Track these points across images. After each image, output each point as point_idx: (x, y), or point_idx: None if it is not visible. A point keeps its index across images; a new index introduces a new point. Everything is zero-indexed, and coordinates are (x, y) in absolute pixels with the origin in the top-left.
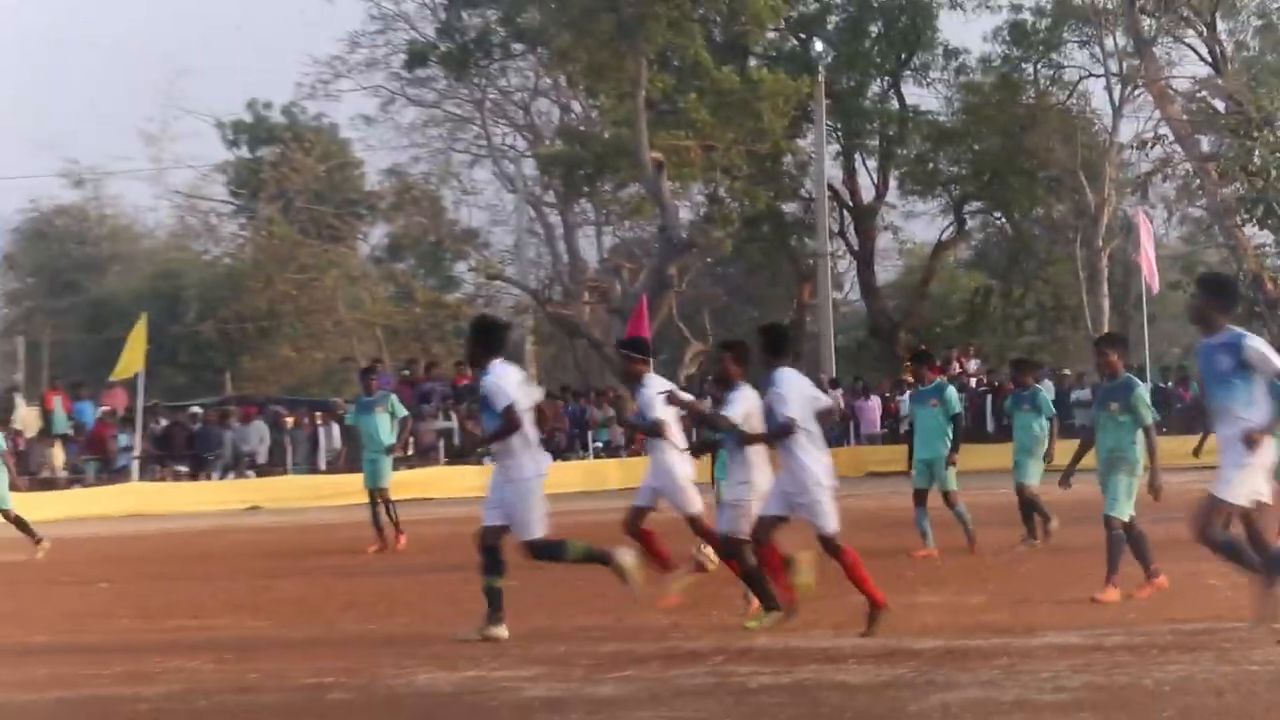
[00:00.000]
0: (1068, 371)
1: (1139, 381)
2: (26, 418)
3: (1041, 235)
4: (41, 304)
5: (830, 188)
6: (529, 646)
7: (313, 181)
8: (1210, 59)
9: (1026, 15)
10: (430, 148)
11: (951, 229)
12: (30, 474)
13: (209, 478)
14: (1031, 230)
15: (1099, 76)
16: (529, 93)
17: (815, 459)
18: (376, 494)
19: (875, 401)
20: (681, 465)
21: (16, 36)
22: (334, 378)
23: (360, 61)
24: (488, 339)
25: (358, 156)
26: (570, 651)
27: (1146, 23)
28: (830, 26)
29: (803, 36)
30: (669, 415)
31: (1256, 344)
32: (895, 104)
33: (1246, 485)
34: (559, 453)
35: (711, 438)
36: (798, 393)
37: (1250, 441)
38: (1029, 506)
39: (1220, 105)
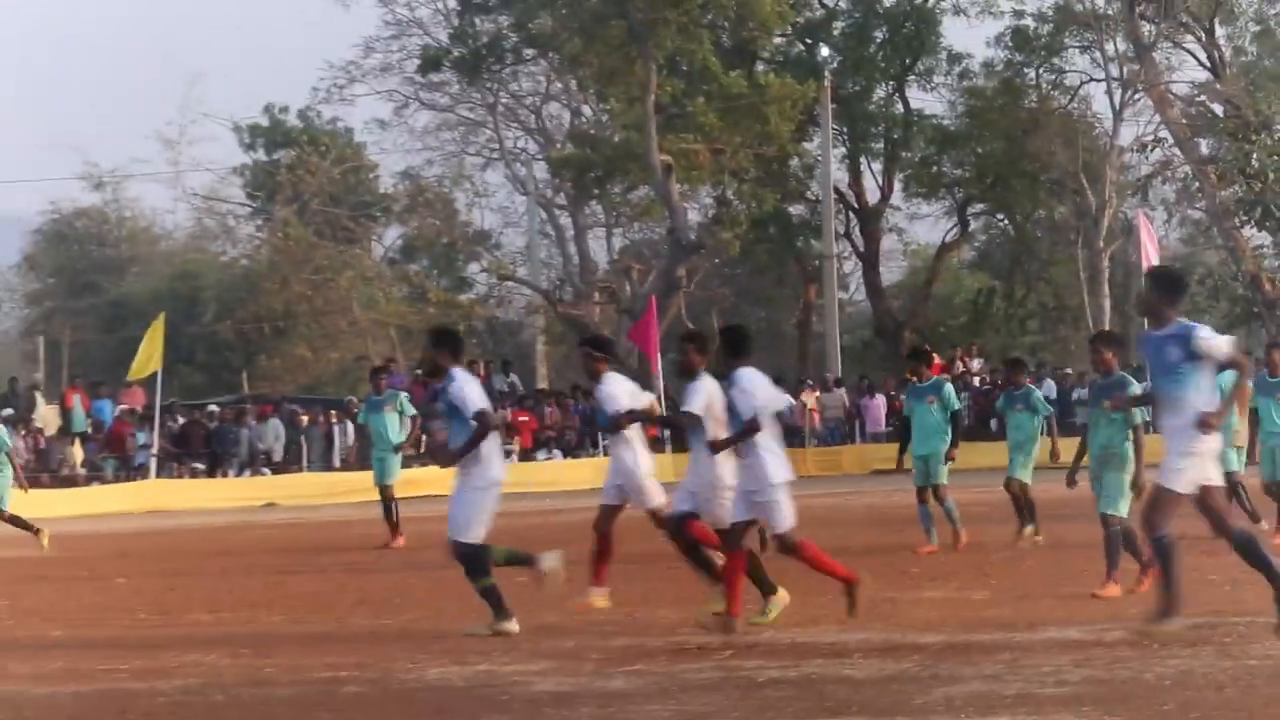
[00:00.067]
0: (1069, 371)
1: (1133, 380)
2: (46, 416)
3: (1043, 237)
4: (61, 304)
5: (836, 190)
6: (539, 641)
7: (328, 184)
8: (1209, 64)
9: (1029, 21)
10: (443, 151)
11: (955, 230)
12: (50, 471)
13: (225, 475)
14: (1034, 232)
15: (1100, 81)
16: (540, 97)
17: (775, 457)
18: (382, 491)
19: (880, 400)
20: (642, 459)
21: (37, 42)
22: (349, 377)
23: (375, 66)
24: (450, 347)
25: (372, 160)
26: (580, 646)
27: (1146, 28)
28: (836, 32)
29: (809, 42)
30: (639, 403)
31: (1206, 334)
32: (900, 108)
33: (1191, 473)
34: (569, 450)
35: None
36: (761, 392)
37: (1205, 425)
38: (1021, 503)
39: (1219, 109)
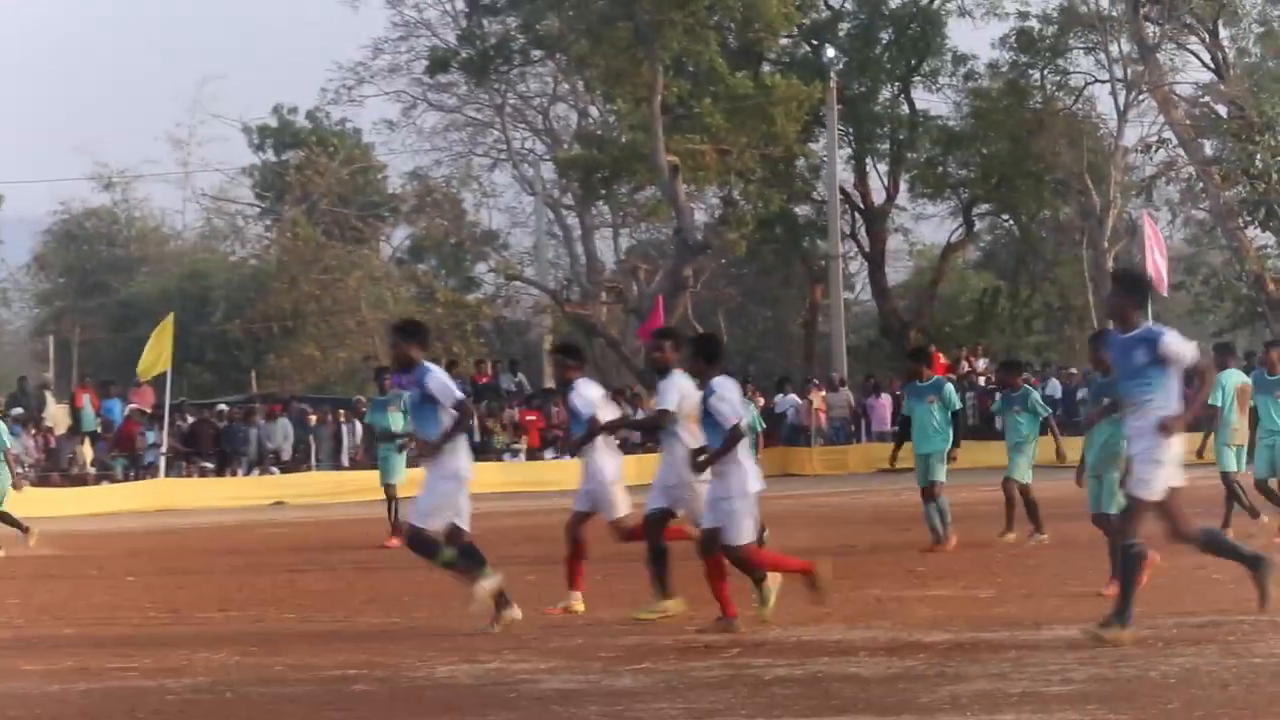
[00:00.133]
0: (1074, 371)
1: None
2: (56, 415)
3: (1048, 237)
4: (71, 304)
5: (842, 191)
6: (548, 639)
7: (336, 185)
8: (1213, 65)
9: (1033, 22)
10: (451, 152)
11: (960, 231)
12: (60, 470)
13: (235, 474)
14: (1039, 232)
15: (1104, 82)
16: (548, 98)
17: (744, 467)
18: (387, 490)
19: (886, 400)
20: (611, 467)
21: (47, 43)
22: (357, 376)
23: (383, 67)
24: (418, 339)
25: (380, 160)
26: (588, 644)
27: (1150, 30)
28: (842, 33)
29: (815, 43)
30: (606, 413)
31: (1173, 338)
32: (905, 109)
33: (1160, 481)
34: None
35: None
36: (738, 400)
37: (1165, 428)
38: (1022, 503)
39: (1222, 110)
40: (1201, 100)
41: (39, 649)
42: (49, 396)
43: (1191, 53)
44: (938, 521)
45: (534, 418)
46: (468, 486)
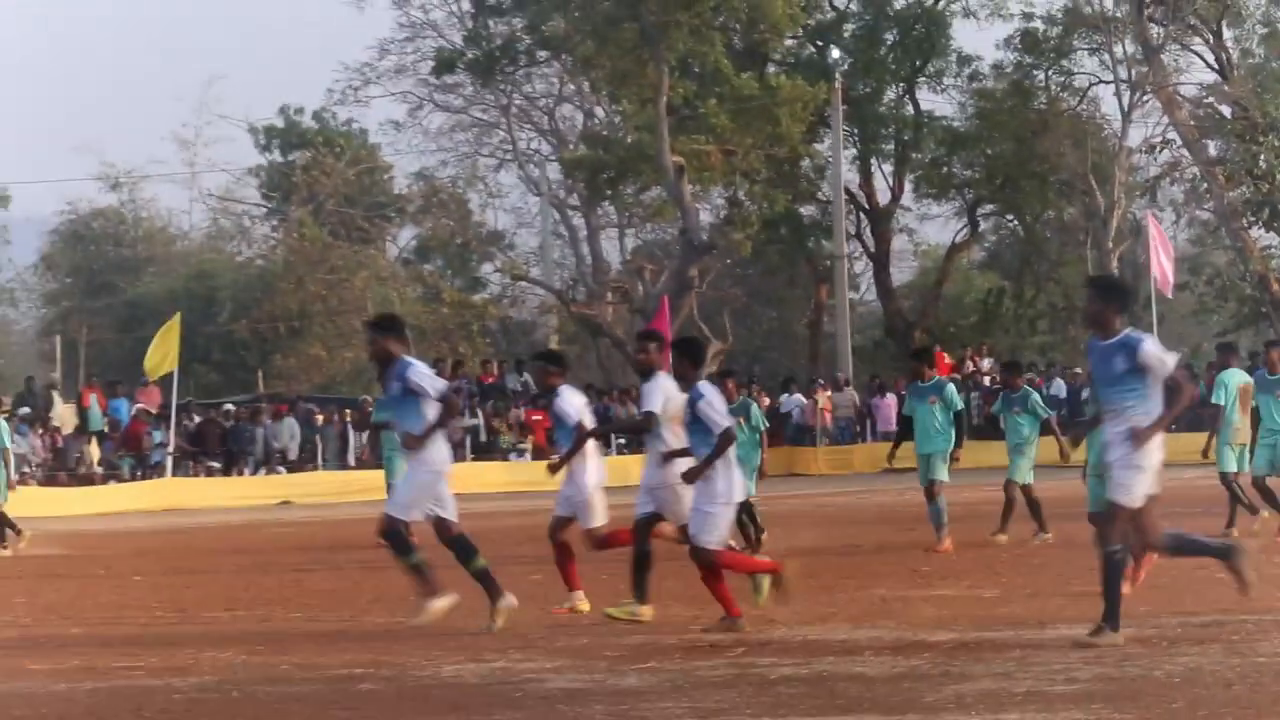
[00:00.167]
0: (1079, 371)
1: None
2: (63, 415)
3: (1053, 237)
4: (78, 304)
5: (847, 191)
6: (553, 638)
7: (343, 185)
8: (1217, 66)
9: (1038, 23)
10: (457, 152)
11: (965, 231)
12: (67, 470)
13: (241, 474)
14: (1043, 232)
15: (1108, 83)
16: (553, 99)
17: (730, 475)
18: (391, 489)
19: (891, 400)
20: (594, 473)
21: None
22: (363, 376)
23: (389, 68)
24: (397, 333)
25: (387, 161)
26: (594, 643)
27: (1155, 31)
28: (847, 34)
29: (820, 44)
30: (589, 419)
31: (1152, 346)
32: (910, 109)
33: (1141, 488)
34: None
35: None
36: (723, 404)
37: (1136, 438)
38: (1025, 504)
39: (1226, 111)
40: (1205, 101)
41: (45, 648)
42: (56, 396)
43: (1195, 54)
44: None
45: (540, 417)
46: (447, 478)
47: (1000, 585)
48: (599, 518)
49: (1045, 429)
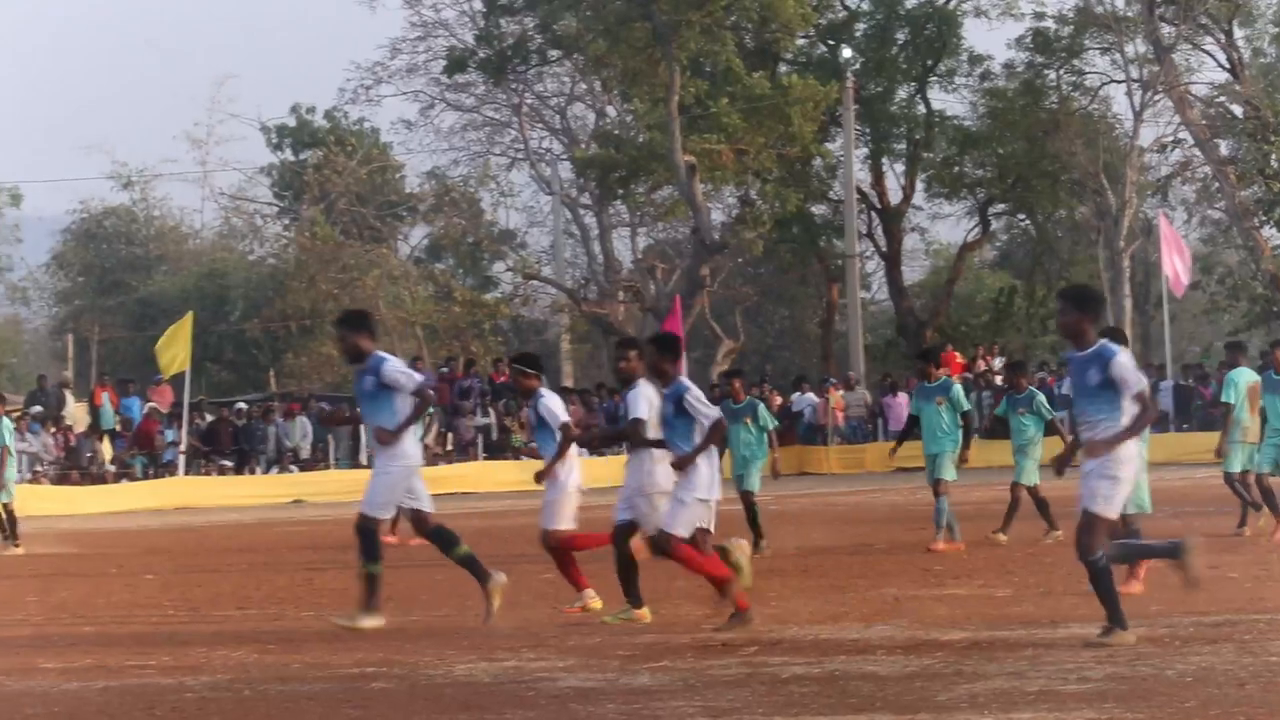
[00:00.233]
0: None
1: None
2: (75, 413)
3: (1064, 236)
4: (90, 303)
5: (858, 190)
6: (565, 637)
7: (354, 184)
8: (1228, 65)
9: (1049, 23)
10: (469, 151)
11: (977, 230)
12: (80, 468)
13: (253, 472)
14: (1054, 231)
15: (1120, 82)
16: (565, 98)
17: (710, 471)
18: None
19: (903, 399)
20: (573, 477)
21: (67, 44)
22: None
23: (401, 67)
24: (368, 329)
25: (398, 160)
26: (606, 642)
27: (1166, 30)
28: (858, 34)
29: (831, 43)
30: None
31: (1124, 360)
32: (922, 109)
33: (1119, 498)
34: (595, 448)
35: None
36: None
37: (1090, 451)
38: (1033, 505)
39: (1238, 110)
40: (1217, 100)
41: (57, 646)
42: (68, 395)
43: (1207, 53)
44: (951, 519)
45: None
46: (418, 471)
47: (1012, 584)
48: (565, 521)
49: (1050, 430)
